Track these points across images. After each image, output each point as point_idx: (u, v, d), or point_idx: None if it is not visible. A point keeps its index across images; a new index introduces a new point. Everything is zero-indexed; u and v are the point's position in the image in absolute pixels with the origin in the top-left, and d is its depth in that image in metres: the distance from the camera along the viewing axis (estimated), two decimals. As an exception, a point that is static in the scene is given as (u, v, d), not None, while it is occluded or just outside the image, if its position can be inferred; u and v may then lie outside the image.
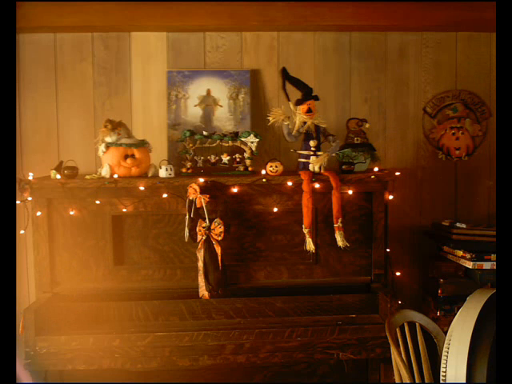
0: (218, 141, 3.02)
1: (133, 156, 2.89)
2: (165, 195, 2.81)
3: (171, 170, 2.88)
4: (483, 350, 1.94)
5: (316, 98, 2.93)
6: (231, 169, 3.01)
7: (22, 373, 2.56)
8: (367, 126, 3.16)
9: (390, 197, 2.91)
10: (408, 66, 3.40)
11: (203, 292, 2.76)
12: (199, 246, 2.76)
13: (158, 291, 2.86)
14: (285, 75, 2.93)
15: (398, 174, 2.97)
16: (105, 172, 2.85)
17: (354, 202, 2.91)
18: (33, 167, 3.16)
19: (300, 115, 2.90)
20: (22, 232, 2.87)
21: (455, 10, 3.21)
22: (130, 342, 2.55)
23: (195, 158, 3.02)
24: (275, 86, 3.31)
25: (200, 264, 2.76)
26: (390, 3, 3.18)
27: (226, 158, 3.01)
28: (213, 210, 2.77)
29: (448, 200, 3.45)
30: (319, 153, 2.90)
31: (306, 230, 2.78)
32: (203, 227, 2.75)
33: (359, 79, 3.38)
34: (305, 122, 2.90)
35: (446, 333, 2.16)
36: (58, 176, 2.81)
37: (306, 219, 2.78)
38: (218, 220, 2.74)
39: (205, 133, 3.04)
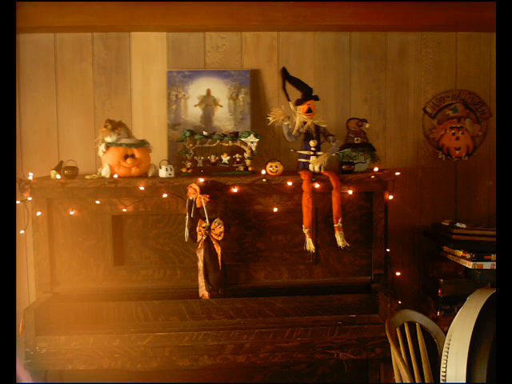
0: (218, 141, 3.02)
1: (133, 156, 2.89)
2: (165, 195, 2.81)
3: (171, 170, 2.88)
4: (483, 350, 1.94)
5: (316, 98, 2.93)
6: (231, 169, 3.01)
7: (21, 373, 2.56)
8: (367, 126, 3.16)
9: (390, 197, 2.91)
10: (408, 66, 3.40)
11: (203, 292, 2.76)
12: (199, 246, 2.76)
13: (158, 291, 2.86)
14: (285, 75, 2.93)
15: (398, 174, 2.97)
16: (105, 172, 2.85)
17: (354, 201, 2.91)
18: (33, 167, 3.16)
19: (300, 115, 2.90)
20: (22, 232, 2.87)
21: (455, 9, 3.21)
22: (130, 341, 2.55)
23: (195, 158, 3.02)
24: (275, 86, 3.32)
25: (200, 264, 2.76)
26: (389, 3, 3.18)
27: (225, 158, 3.01)
28: (213, 210, 2.77)
29: (448, 200, 3.45)
30: (319, 153, 2.90)
31: (305, 230, 2.78)
32: (203, 227, 2.75)
33: (359, 79, 3.38)
34: (305, 122, 2.90)
35: (446, 333, 2.16)
36: (58, 176, 2.81)
37: (306, 219, 2.78)
38: (218, 220, 2.74)
39: (205, 133, 3.04)
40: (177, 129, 3.25)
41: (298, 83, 2.94)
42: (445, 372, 2.01)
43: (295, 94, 2.93)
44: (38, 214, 2.80)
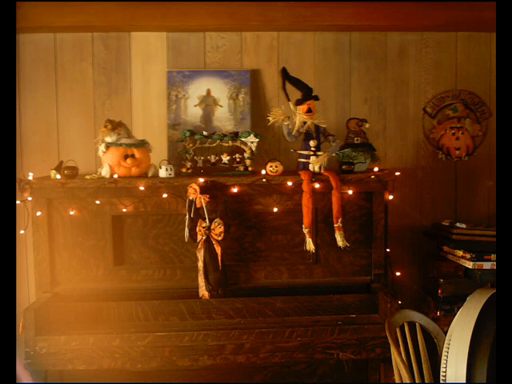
0: (218, 141, 3.02)
1: (133, 156, 2.89)
2: (165, 195, 2.81)
3: (171, 170, 2.88)
4: (483, 350, 1.94)
5: (316, 98, 2.93)
6: (231, 169, 3.01)
7: (21, 373, 2.56)
8: (367, 126, 3.16)
9: (390, 197, 2.91)
10: (408, 66, 3.40)
11: (203, 292, 2.76)
12: (199, 246, 2.76)
13: (158, 291, 2.86)
14: (285, 75, 2.93)
15: (398, 174, 2.97)
16: (105, 172, 2.85)
17: (354, 201, 2.91)
18: (33, 167, 3.16)
19: (300, 115, 2.90)
20: (22, 232, 2.87)
21: (455, 9, 3.21)
22: (130, 341, 2.55)
23: (195, 158, 3.02)
24: (275, 85, 3.32)
25: (200, 264, 2.76)
26: (390, 3, 3.18)
27: (225, 158, 3.01)
28: (213, 210, 2.77)
29: (448, 200, 3.45)
30: (319, 153, 2.90)
31: (305, 230, 2.78)
32: (203, 227, 2.75)
33: (359, 79, 3.38)
34: (305, 122, 2.90)
35: (446, 333, 2.16)
36: (58, 176, 2.81)
37: (306, 219, 2.78)
38: (218, 220, 2.74)
39: (205, 133, 3.04)
40: (177, 129, 3.25)
41: (297, 83, 2.94)
42: (445, 372, 2.01)
43: (295, 93, 2.93)
44: (38, 214, 2.80)
